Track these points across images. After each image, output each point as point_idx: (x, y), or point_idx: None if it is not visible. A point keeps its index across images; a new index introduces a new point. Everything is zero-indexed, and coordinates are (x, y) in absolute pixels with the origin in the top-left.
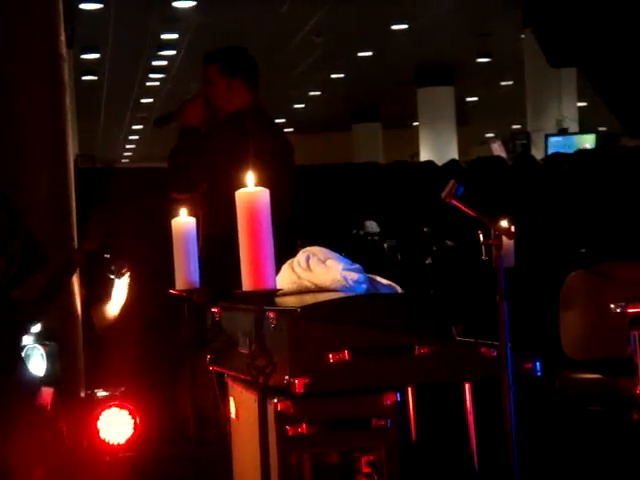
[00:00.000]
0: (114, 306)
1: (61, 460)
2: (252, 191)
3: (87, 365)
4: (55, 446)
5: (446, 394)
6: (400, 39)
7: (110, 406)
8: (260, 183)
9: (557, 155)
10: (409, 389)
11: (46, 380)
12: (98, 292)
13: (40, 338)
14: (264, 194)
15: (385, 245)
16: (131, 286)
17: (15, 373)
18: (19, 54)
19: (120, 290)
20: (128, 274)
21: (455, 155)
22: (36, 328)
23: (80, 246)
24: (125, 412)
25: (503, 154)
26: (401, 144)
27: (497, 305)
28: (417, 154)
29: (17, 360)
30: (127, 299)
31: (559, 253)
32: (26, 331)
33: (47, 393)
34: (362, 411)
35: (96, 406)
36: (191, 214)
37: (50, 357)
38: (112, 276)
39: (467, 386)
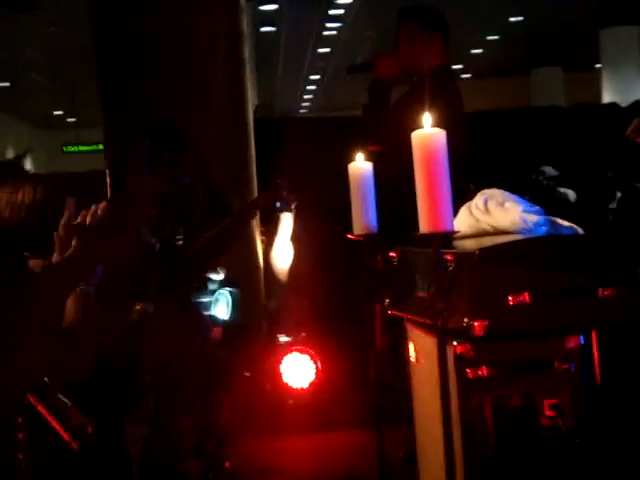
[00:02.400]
0: (282, 240)
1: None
2: (428, 132)
3: (269, 311)
4: (231, 378)
5: (631, 336)
6: None
7: (292, 351)
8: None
9: None
10: (593, 332)
11: (230, 324)
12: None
13: (225, 284)
14: (441, 135)
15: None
16: (309, 231)
17: (187, 316)
18: (201, 6)
19: (287, 224)
20: (294, 207)
21: None
22: (221, 275)
23: (253, 202)
24: (306, 357)
25: None
26: (583, 88)
27: None
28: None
29: (188, 306)
30: (305, 244)
31: None
32: (195, 282)
33: (217, 331)
34: (544, 354)
35: (279, 351)
36: (368, 159)
37: (234, 302)
38: (279, 207)
39: None
